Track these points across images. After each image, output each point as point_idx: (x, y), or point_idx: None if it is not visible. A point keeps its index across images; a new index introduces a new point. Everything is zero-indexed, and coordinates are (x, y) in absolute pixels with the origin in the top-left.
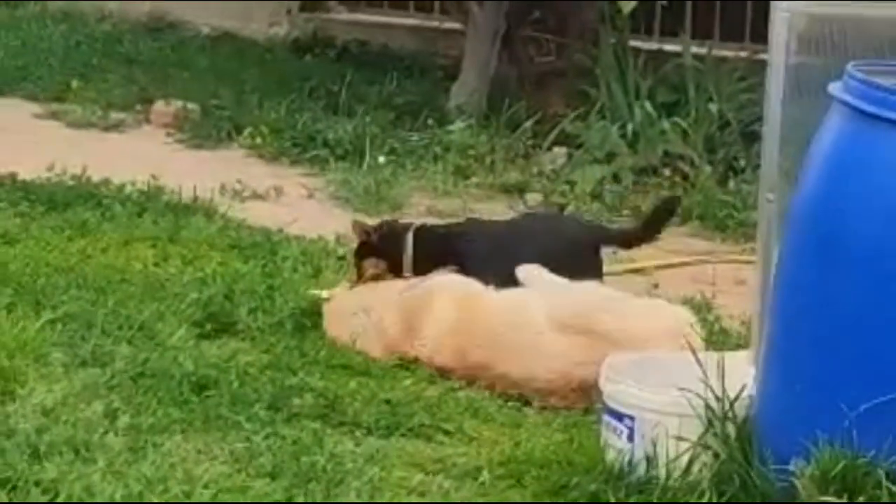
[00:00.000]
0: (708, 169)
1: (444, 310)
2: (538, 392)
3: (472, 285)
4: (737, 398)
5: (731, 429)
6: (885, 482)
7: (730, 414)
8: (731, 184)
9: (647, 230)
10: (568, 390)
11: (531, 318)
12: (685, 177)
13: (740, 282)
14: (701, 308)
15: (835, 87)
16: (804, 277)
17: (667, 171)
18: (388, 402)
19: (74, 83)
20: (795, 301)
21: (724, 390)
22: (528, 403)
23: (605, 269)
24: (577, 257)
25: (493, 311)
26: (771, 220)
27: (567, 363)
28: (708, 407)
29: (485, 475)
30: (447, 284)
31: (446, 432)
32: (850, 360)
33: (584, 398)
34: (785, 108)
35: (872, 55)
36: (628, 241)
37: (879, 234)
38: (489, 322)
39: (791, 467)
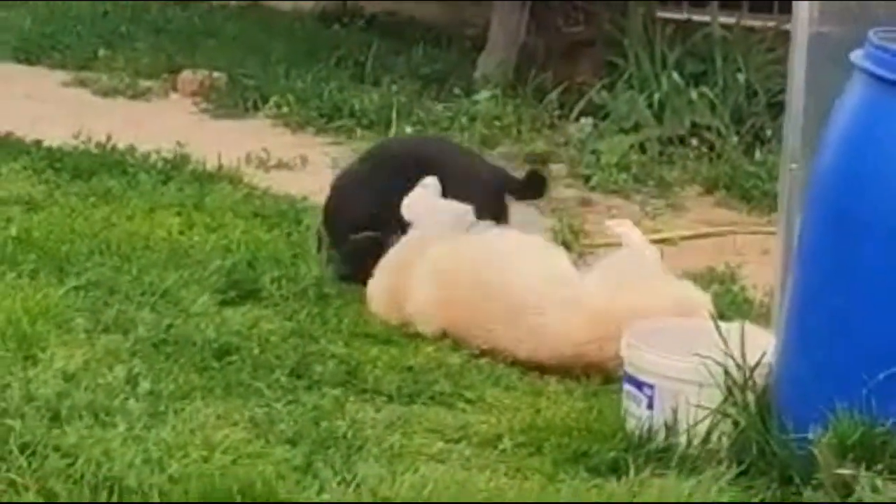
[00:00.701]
0: (735, 139)
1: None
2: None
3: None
4: (756, 366)
5: (750, 397)
6: None
7: (749, 382)
8: (758, 154)
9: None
10: (578, 369)
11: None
12: (712, 147)
13: (765, 252)
14: (725, 278)
15: (856, 55)
16: (823, 246)
17: (693, 142)
18: (409, 369)
19: (102, 51)
20: (815, 270)
21: (744, 359)
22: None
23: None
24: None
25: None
26: (793, 189)
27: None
28: (728, 375)
29: (505, 443)
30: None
31: (468, 400)
32: (868, 329)
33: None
34: (808, 77)
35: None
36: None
37: None
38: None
39: (809, 435)
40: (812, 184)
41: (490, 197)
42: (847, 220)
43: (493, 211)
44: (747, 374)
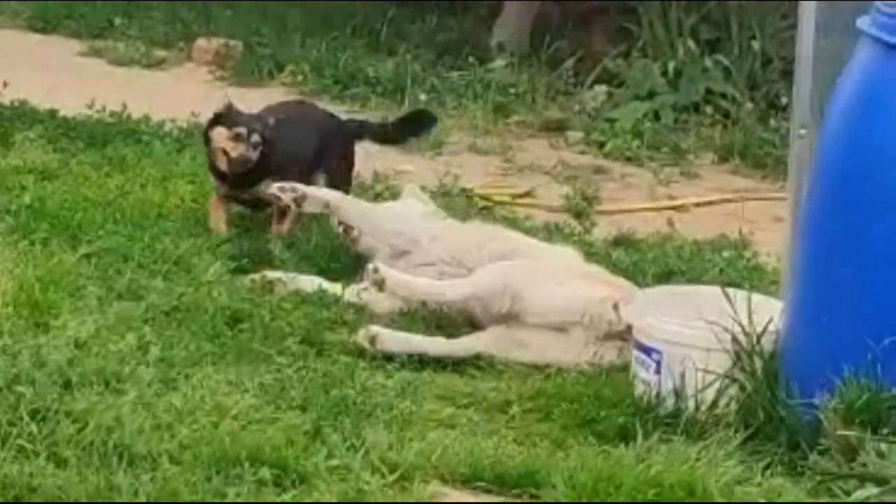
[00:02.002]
0: (749, 106)
1: None
2: None
3: None
4: (764, 332)
5: (757, 363)
6: None
7: (757, 348)
8: (772, 121)
9: (399, 130)
10: None
11: None
12: (726, 114)
13: (778, 219)
14: (737, 245)
15: (863, 21)
16: (831, 211)
17: (708, 109)
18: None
19: (117, 20)
20: (823, 236)
21: (751, 324)
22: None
23: (644, 205)
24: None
25: None
26: (802, 155)
27: None
28: (735, 340)
29: (514, 409)
30: None
31: (478, 367)
32: (875, 295)
33: None
34: (818, 44)
35: None
36: (380, 136)
37: None
38: None
39: (816, 401)
40: (818, 151)
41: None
42: (853, 187)
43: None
44: (755, 339)
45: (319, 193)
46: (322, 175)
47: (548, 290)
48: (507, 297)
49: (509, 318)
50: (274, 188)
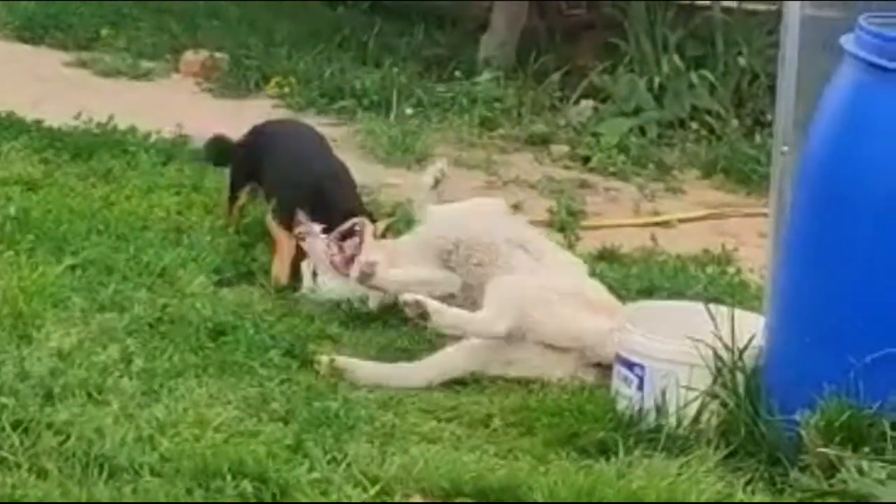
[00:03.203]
0: (735, 122)
1: None
2: None
3: None
4: (745, 349)
5: (739, 379)
6: (889, 432)
7: (739, 364)
8: (758, 137)
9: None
10: None
11: None
12: (712, 130)
13: (762, 234)
14: (721, 261)
15: (846, 40)
16: (813, 228)
17: (693, 125)
18: (404, 350)
19: (104, 31)
20: (805, 253)
21: (733, 341)
22: None
23: (629, 220)
24: None
25: None
26: (785, 172)
27: None
28: (717, 357)
29: (496, 423)
30: None
31: (460, 381)
32: (857, 313)
33: None
34: (801, 61)
35: (888, 8)
36: None
37: (888, 187)
38: None
39: (797, 417)
40: (802, 167)
41: None
42: (836, 204)
43: None
44: (736, 355)
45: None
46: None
47: (560, 316)
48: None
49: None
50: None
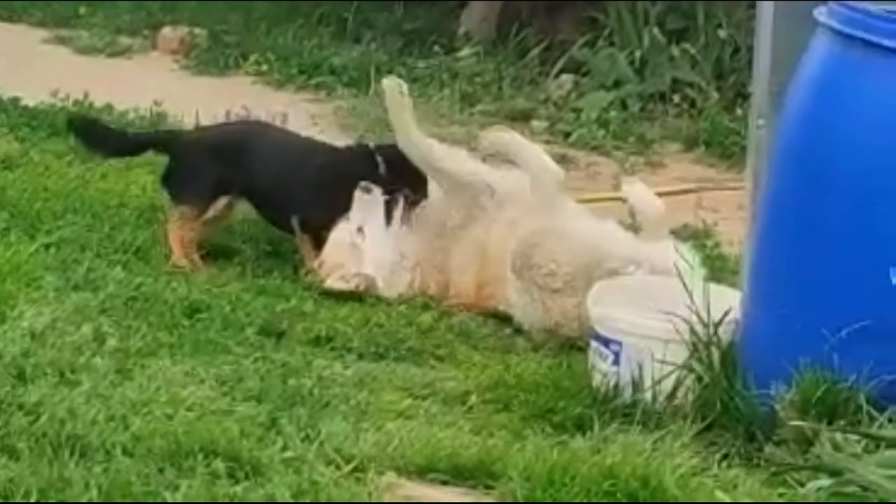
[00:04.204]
0: (715, 96)
1: None
2: None
3: None
4: (721, 323)
5: (715, 353)
6: (865, 406)
7: (714, 339)
8: (739, 111)
9: None
10: None
11: None
12: (693, 104)
13: (742, 208)
14: (700, 235)
15: (820, 12)
16: (788, 202)
17: (675, 98)
18: (380, 326)
19: (82, 9)
20: (780, 226)
21: (709, 315)
22: (519, 331)
23: (607, 194)
24: None
25: None
26: (761, 145)
27: None
28: (693, 332)
29: (473, 399)
30: None
31: (437, 357)
32: (832, 286)
33: None
34: (778, 33)
35: None
36: None
37: (861, 159)
38: None
39: (772, 392)
40: (777, 140)
41: None
42: (810, 177)
43: None
44: (712, 330)
45: None
46: None
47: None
48: None
49: None
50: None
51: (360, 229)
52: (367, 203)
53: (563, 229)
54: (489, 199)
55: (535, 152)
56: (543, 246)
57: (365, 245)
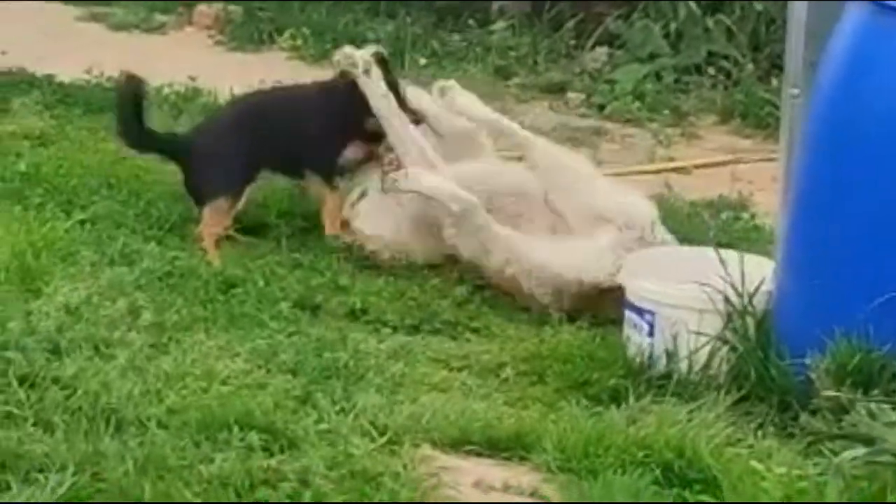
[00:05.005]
0: (751, 67)
1: None
2: None
3: None
4: (756, 293)
5: (749, 323)
6: None
7: (749, 309)
8: (774, 82)
9: None
10: None
11: None
12: (728, 75)
13: (777, 179)
14: (736, 206)
15: None
16: (822, 172)
17: (710, 70)
18: (414, 299)
19: None
20: (814, 196)
21: (743, 285)
22: None
23: (644, 167)
24: None
25: None
26: (795, 116)
27: None
28: (727, 301)
29: (508, 371)
30: None
31: (472, 329)
32: (866, 255)
33: None
34: (810, 4)
35: None
36: None
37: (894, 129)
38: None
39: (807, 361)
40: (810, 110)
41: None
42: (843, 146)
43: None
44: (746, 300)
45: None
46: None
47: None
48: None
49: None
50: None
51: None
52: None
53: None
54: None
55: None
56: None
57: None
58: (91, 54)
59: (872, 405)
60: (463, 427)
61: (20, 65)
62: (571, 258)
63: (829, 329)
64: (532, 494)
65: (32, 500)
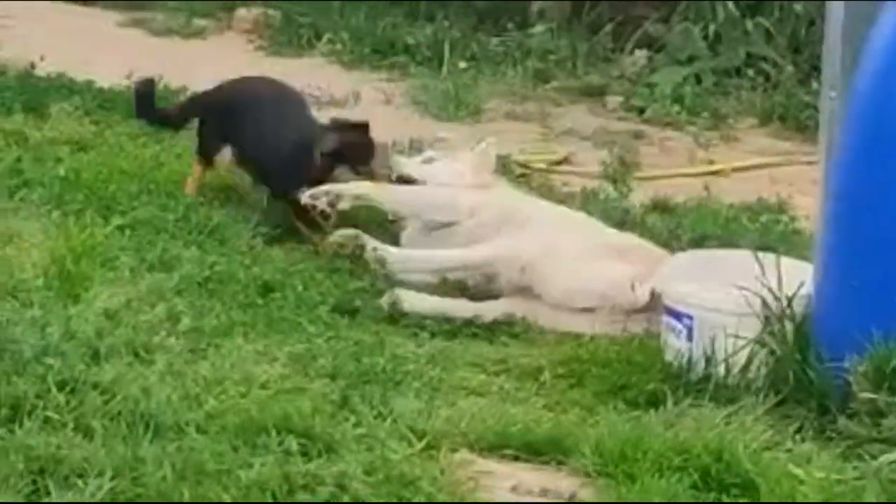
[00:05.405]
0: (790, 69)
1: None
2: None
3: None
4: (794, 296)
5: (788, 327)
6: None
7: (787, 312)
8: (814, 84)
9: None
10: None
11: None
12: (767, 78)
13: (817, 182)
14: (775, 209)
15: None
16: (861, 174)
17: (749, 73)
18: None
19: None
20: (852, 199)
21: (781, 288)
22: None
23: (683, 170)
24: None
25: None
26: (833, 118)
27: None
28: (766, 305)
29: (546, 375)
30: None
31: (511, 334)
32: None
33: None
34: (848, 5)
35: None
36: None
37: None
38: None
39: (846, 364)
40: (848, 112)
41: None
42: (882, 147)
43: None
44: (785, 303)
45: (349, 188)
46: None
47: (565, 273)
48: (517, 271)
49: (527, 292)
50: (306, 196)
51: None
52: None
53: None
54: None
55: None
56: None
57: None
58: (131, 60)
59: None
60: (500, 431)
61: (60, 70)
62: None
63: (867, 332)
64: (570, 498)
65: None
